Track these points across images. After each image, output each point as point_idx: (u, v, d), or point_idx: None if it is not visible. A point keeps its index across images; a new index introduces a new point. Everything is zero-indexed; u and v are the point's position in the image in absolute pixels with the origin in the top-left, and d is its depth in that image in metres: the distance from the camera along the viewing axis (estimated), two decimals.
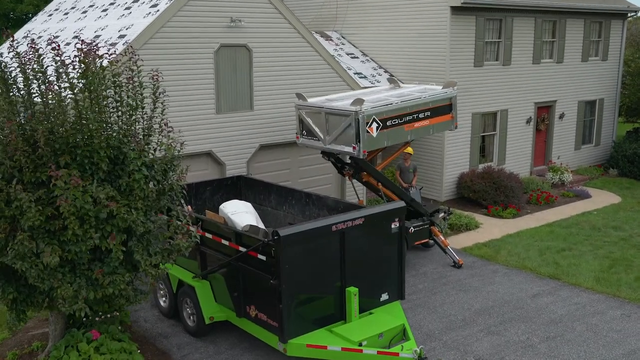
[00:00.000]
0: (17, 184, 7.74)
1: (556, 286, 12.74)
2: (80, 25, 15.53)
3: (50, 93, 8.02)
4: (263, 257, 8.96)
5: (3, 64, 8.20)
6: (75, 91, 8.09)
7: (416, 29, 18.75)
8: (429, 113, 13.34)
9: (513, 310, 11.61)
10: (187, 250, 8.70)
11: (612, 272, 13.39)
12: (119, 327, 9.98)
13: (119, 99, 8.47)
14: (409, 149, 14.90)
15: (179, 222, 8.73)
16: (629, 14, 23.69)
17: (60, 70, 8.21)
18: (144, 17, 13.54)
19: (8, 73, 8.20)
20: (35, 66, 8.17)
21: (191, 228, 8.91)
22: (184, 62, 13.58)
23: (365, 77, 18.82)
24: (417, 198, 14.58)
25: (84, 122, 7.96)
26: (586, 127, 23.70)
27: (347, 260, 9.33)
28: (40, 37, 16.57)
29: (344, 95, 14.22)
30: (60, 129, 7.92)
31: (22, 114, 8.18)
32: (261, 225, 10.91)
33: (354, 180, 15.07)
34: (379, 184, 13.41)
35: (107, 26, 14.40)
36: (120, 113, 8.50)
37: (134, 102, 8.52)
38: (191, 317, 10.59)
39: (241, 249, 9.43)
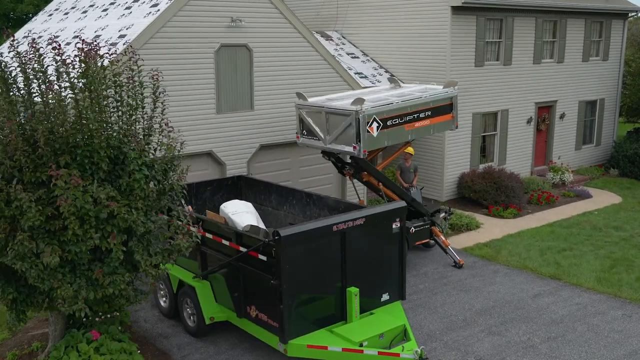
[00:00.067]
0: (17, 183, 7.73)
1: (557, 286, 12.72)
2: (81, 25, 15.51)
3: (50, 93, 8.00)
4: (264, 258, 8.94)
5: (3, 63, 8.18)
6: (75, 91, 8.07)
7: (417, 28, 18.73)
8: (429, 113, 13.31)
9: (514, 310, 11.59)
10: (188, 250, 8.68)
11: (613, 273, 13.36)
12: (119, 328, 9.96)
13: (119, 98, 8.45)
14: (410, 149, 14.89)
15: (180, 222, 8.71)
16: (629, 14, 23.67)
17: (61, 69, 8.20)
18: (145, 16, 13.52)
19: (8, 73, 8.18)
20: (35, 66, 8.16)
21: (192, 228, 8.89)
22: (184, 62, 13.56)
23: (365, 77, 18.80)
24: (418, 198, 14.56)
25: (84, 122, 7.95)
26: (587, 127, 23.68)
27: (347, 260, 9.31)
28: (40, 36, 16.56)
29: (344, 94, 14.20)
30: (61, 129, 7.90)
31: (22, 114, 8.16)
32: (262, 226, 10.89)
33: (355, 180, 15.06)
34: (380, 183, 13.39)
35: (107, 26, 14.38)
36: (120, 113, 8.48)
37: (134, 102, 8.50)
38: (191, 318, 10.57)
39: (242, 249, 9.41)
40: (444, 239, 14.09)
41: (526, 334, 10.66)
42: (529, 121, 21.02)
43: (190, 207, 11.31)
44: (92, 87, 8.07)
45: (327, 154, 13.69)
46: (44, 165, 7.87)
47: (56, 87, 8.08)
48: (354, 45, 20.72)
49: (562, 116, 22.25)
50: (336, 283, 9.29)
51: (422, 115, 13.18)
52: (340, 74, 16.26)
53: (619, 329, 10.86)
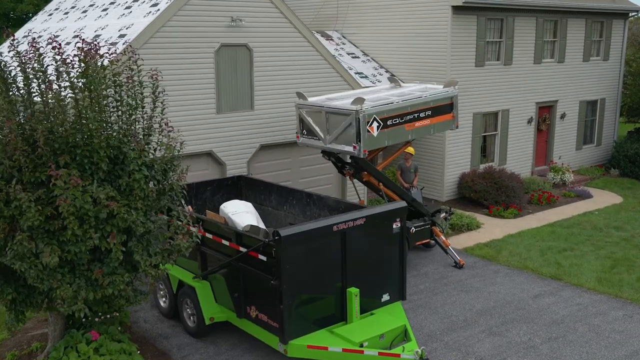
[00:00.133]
0: (16, 183, 7.70)
1: (558, 287, 12.69)
2: (81, 25, 15.49)
3: (49, 92, 7.98)
4: (264, 258, 8.92)
5: (3, 63, 8.16)
6: (75, 90, 8.05)
7: (417, 28, 18.70)
8: (429, 112, 13.29)
9: (515, 310, 11.57)
10: (188, 250, 8.66)
11: (614, 273, 13.34)
12: (119, 328, 9.94)
13: (119, 98, 8.43)
14: (411, 149, 14.86)
15: (180, 223, 8.69)
16: (630, 14, 23.65)
17: (61, 69, 8.18)
18: (145, 16, 13.50)
19: (8, 72, 8.16)
20: (35, 65, 8.14)
21: (192, 228, 8.87)
22: (184, 61, 13.53)
23: (366, 76, 18.78)
24: (419, 198, 14.54)
25: (84, 121, 7.93)
26: (587, 127, 23.66)
27: (348, 260, 9.29)
28: (40, 36, 16.54)
29: (344, 94, 14.17)
30: (60, 129, 7.88)
31: (21, 114, 8.14)
32: (262, 226, 10.86)
33: (355, 180, 15.03)
34: (380, 183, 13.36)
35: (107, 25, 14.36)
36: (120, 113, 8.45)
37: (134, 102, 8.48)
38: (191, 318, 10.54)
39: (242, 249, 9.38)
40: (444, 239, 14.07)
41: (527, 335, 10.64)
42: (529, 121, 20.99)
43: (190, 207, 11.28)
44: (92, 87, 8.04)
45: (327, 154, 13.67)
46: (43, 165, 7.85)
47: (55, 86, 8.05)
48: (355, 45, 20.69)
49: (562, 116, 22.22)
50: (336, 283, 9.27)
51: (422, 114, 13.16)
52: (340, 73, 16.24)
53: (620, 329, 10.84)
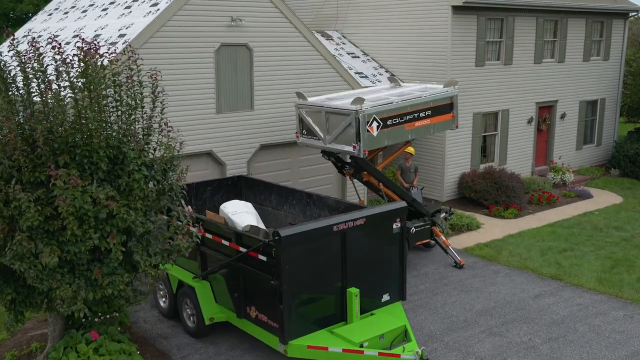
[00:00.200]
0: (15, 183, 7.69)
1: (558, 287, 12.68)
2: (80, 25, 15.48)
3: (49, 92, 7.97)
4: (264, 258, 8.90)
5: (2, 62, 8.14)
6: (74, 90, 8.04)
7: (417, 28, 18.69)
8: (429, 112, 13.27)
9: (515, 311, 11.55)
10: (187, 250, 8.65)
11: (614, 273, 13.32)
12: (119, 328, 9.93)
13: (118, 98, 8.41)
14: (411, 149, 14.84)
15: (180, 223, 8.67)
16: (630, 14, 23.63)
17: (61, 69, 8.16)
18: (144, 16, 13.48)
19: (7, 72, 8.14)
20: (35, 65, 8.12)
21: (192, 228, 8.85)
22: (184, 61, 13.52)
23: (366, 76, 18.76)
24: (419, 198, 14.52)
25: (84, 121, 7.91)
26: (587, 127, 23.64)
27: (348, 260, 9.27)
28: (40, 36, 16.53)
29: (344, 94, 14.16)
30: (60, 129, 7.87)
31: (21, 113, 8.12)
32: (262, 226, 10.85)
33: (355, 181, 15.01)
34: (380, 183, 13.35)
35: (107, 25, 14.35)
36: (119, 112, 8.44)
37: (134, 102, 8.46)
38: (191, 318, 10.53)
39: (241, 249, 9.37)
40: (444, 239, 14.05)
41: (527, 335, 10.62)
42: (529, 121, 20.97)
43: (190, 207, 11.27)
44: (92, 87, 8.03)
45: (327, 154, 13.65)
46: (42, 165, 7.84)
47: (55, 86, 8.03)
48: (355, 45, 20.68)
49: (562, 116, 22.21)
50: (336, 283, 9.26)
51: (422, 114, 13.14)
52: (340, 73, 16.22)
53: (621, 329, 10.82)
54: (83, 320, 9.69)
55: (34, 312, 9.37)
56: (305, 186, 15.88)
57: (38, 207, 7.58)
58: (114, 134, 8.21)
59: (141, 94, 8.57)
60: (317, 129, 13.01)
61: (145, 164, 8.28)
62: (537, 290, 12.48)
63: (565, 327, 10.89)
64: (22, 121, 7.99)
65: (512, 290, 12.50)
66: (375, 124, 12.28)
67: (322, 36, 20.22)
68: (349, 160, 13.64)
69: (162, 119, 8.81)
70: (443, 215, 14.32)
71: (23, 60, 8.10)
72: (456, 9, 17.73)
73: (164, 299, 11.35)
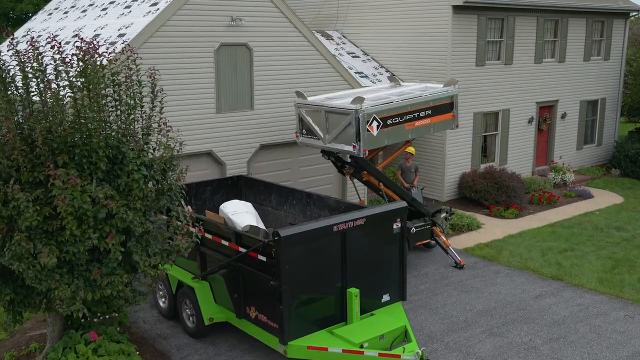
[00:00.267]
0: (14, 183, 7.66)
1: (559, 287, 12.65)
2: (80, 24, 15.45)
3: (48, 92, 7.94)
4: (263, 258, 8.88)
5: (1, 62, 8.12)
6: (74, 90, 8.01)
7: (418, 28, 18.66)
8: (429, 112, 13.24)
9: (515, 311, 11.52)
10: (187, 251, 8.62)
11: (615, 273, 13.29)
12: (118, 329, 9.90)
13: (117, 97, 8.39)
14: (411, 149, 14.82)
15: (179, 223, 8.64)
16: (630, 14, 23.60)
17: (60, 68, 8.14)
18: (144, 15, 13.46)
19: (6, 71, 8.11)
20: (34, 64, 8.09)
21: (191, 229, 8.83)
22: (184, 61, 13.49)
23: (366, 76, 18.74)
24: (419, 198, 14.49)
25: (83, 121, 7.89)
26: (588, 127, 23.61)
27: (348, 261, 9.25)
28: (40, 35, 16.50)
29: (344, 93, 14.13)
30: (59, 128, 7.84)
31: (20, 113, 8.10)
32: (261, 226, 10.82)
33: (355, 180, 14.98)
34: (380, 183, 13.32)
35: (106, 25, 14.32)
36: (119, 112, 8.41)
37: (133, 101, 8.44)
38: (191, 318, 10.50)
39: (241, 249, 9.34)
40: (444, 239, 14.02)
41: (528, 335, 10.59)
42: (530, 121, 20.95)
43: (189, 207, 11.24)
44: (91, 86, 8.00)
45: (327, 153, 13.62)
46: (41, 165, 7.81)
47: (54, 86, 8.01)
48: (355, 45, 20.65)
49: (563, 116, 22.18)
50: (336, 284, 9.23)
51: (422, 114, 13.11)
52: (340, 73, 16.19)
53: (622, 330, 10.79)
54: (82, 320, 9.67)
55: (33, 313, 9.34)
56: (305, 186, 15.85)
57: (37, 207, 7.55)
58: (113, 133, 8.18)
59: (140, 93, 8.54)
60: (317, 128, 12.98)
61: (144, 163, 8.25)
62: (537, 291, 12.45)
63: (566, 328, 10.86)
64: (21, 121, 7.97)
65: (513, 290, 12.47)
66: (375, 124, 12.25)
67: (323, 36, 20.19)
68: (348, 160, 13.61)
69: (161, 119, 8.79)
70: (443, 215, 14.29)
71: (22, 60, 8.08)
72: (456, 8, 17.70)
73: (163, 299, 11.32)
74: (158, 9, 13.25)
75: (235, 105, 14.54)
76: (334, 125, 12.58)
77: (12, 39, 8.39)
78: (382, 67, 19.77)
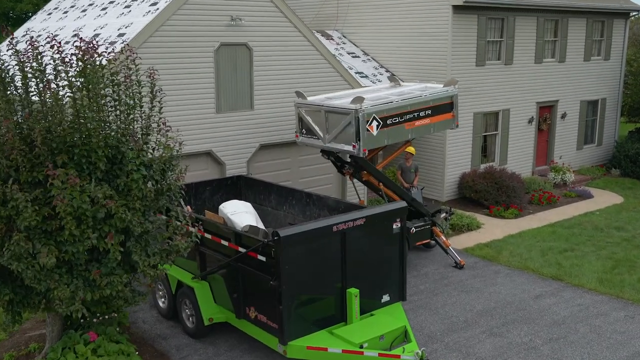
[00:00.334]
0: (13, 183, 7.64)
1: (559, 287, 12.63)
2: (80, 24, 15.44)
3: (48, 92, 7.93)
4: (263, 258, 8.86)
5: (0, 61, 8.10)
6: (73, 90, 8.00)
7: (418, 28, 18.64)
8: (429, 111, 13.23)
9: (515, 311, 11.51)
10: (186, 251, 8.61)
11: (615, 273, 13.27)
12: (117, 329, 9.88)
13: (117, 97, 8.37)
14: (411, 149, 14.80)
15: (179, 223, 8.63)
16: (631, 13, 23.58)
17: (59, 67, 8.12)
18: (144, 15, 13.44)
19: (6, 71, 8.10)
20: (34, 64, 8.08)
21: (191, 229, 8.81)
22: (183, 61, 13.47)
23: (366, 76, 18.72)
24: (419, 198, 14.48)
25: (82, 121, 7.87)
26: (588, 127, 23.59)
27: (348, 261, 9.23)
28: (39, 35, 16.49)
29: (343, 93, 14.11)
30: (58, 128, 7.83)
31: (19, 113, 8.08)
32: (261, 226, 10.81)
33: (355, 180, 14.97)
34: (380, 183, 13.30)
35: (106, 25, 14.30)
36: (118, 112, 8.40)
37: (132, 101, 8.42)
38: (190, 319, 10.49)
39: (241, 249, 9.32)
40: (444, 239, 14.01)
41: (528, 335, 10.58)
42: (530, 121, 20.93)
43: (189, 207, 11.22)
44: (90, 86, 7.99)
45: (327, 153, 13.61)
46: (40, 165, 7.80)
47: (54, 86, 7.99)
48: (355, 45, 20.64)
49: (563, 116, 22.16)
50: (336, 284, 9.21)
51: (422, 114, 13.10)
52: (340, 73, 16.18)
53: (622, 330, 10.78)
54: (81, 320, 9.66)
55: (32, 313, 9.33)
56: (305, 186, 15.83)
57: (35, 207, 7.54)
58: (113, 133, 8.17)
59: (140, 93, 8.53)
60: (316, 128, 12.97)
61: (143, 163, 8.24)
62: (537, 291, 12.43)
63: (566, 328, 10.85)
64: (20, 120, 7.96)
65: (513, 290, 12.46)
66: (375, 123, 12.24)
67: (322, 36, 20.18)
68: (348, 160, 13.59)
69: (160, 119, 8.77)
70: (443, 215, 14.28)
71: (22, 60, 8.06)
72: (457, 8, 17.69)
73: (163, 300, 11.31)
74: (158, 9, 13.23)
75: (235, 105, 14.53)
76: (334, 125, 12.56)
77: (12, 38, 8.37)
78: (382, 67, 19.75)
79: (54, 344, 9.35)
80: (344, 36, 20.99)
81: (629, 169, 22.55)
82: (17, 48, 8.22)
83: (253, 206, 11.82)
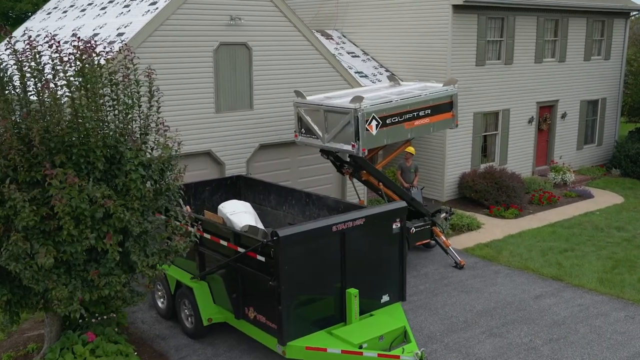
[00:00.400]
0: (11, 183, 7.62)
1: (559, 287, 12.60)
2: (79, 24, 15.41)
3: (46, 91, 7.90)
4: (262, 258, 8.83)
5: None
6: (71, 89, 7.97)
7: (418, 27, 18.62)
8: (429, 111, 13.20)
9: (515, 311, 11.48)
10: (185, 251, 8.58)
11: (615, 273, 13.25)
12: (116, 329, 9.86)
13: (115, 97, 8.34)
14: (411, 149, 14.77)
15: (177, 223, 8.60)
16: (631, 13, 23.56)
17: (58, 67, 8.10)
18: (143, 15, 13.42)
19: (4, 71, 8.07)
20: (32, 64, 8.05)
21: (190, 228, 8.78)
22: (183, 60, 13.45)
23: (366, 76, 18.69)
24: (419, 198, 14.45)
25: (80, 120, 7.84)
26: (588, 126, 23.57)
27: (347, 261, 9.20)
28: (38, 35, 16.46)
29: (343, 92, 14.09)
30: (56, 128, 7.80)
31: (17, 112, 8.06)
32: (260, 226, 10.78)
33: (355, 180, 14.94)
34: (380, 183, 13.28)
35: (105, 24, 14.28)
36: (116, 112, 8.37)
37: (130, 101, 8.39)
38: (189, 319, 10.46)
39: (240, 249, 9.30)
40: (444, 239, 13.98)
41: (528, 336, 10.55)
42: (530, 121, 20.90)
43: (188, 207, 11.19)
44: (88, 86, 7.96)
45: (326, 153, 13.58)
46: (39, 165, 7.77)
47: (52, 85, 7.97)
48: (355, 44, 20.61)
49: (563, 116, 22.13)
50: (335, 284, 9.18)
51: (421, 113, 13.07)
52: (340, 72, 16.15)
53: (622, 330, 10.75)
54: (80, 321, 9.63)
55: (31, 313, 9.31)
56: (305, 186, 15.80)
57: (33, 207, 7.51)
58: (111, 133, 8.14)
59: (138, 92, 8.50)
60: (315, 127, 12.94)
61: (142, 163, 8.21)
62: (537, 291, 12.40)
63: (566, 328, 10.82)
64: (18, 120, 7.93)
65: (513, 290, 12.43)
66: (374, 123, 12.21)
67: (322, 35, 20.15)
68: (348, 159, 13.57)
69: (158, 118, 8.74)
70: (443, 215, 14.25)
71: (20, 59, 8.04)
72: (456, 8, 17.66)
73: (162, 300, 11.28)
74: (157, 8, 13.20)
75: (234, 105, 14.50)
76: (333, 124, 12.53)
77: (10, 37, 8.35)
78: (381, 66, 19.72)
79: (52, 345, 9.32)
80: (343, 36, 20.96)
81: (629, 168, 22.53)
82: (16, 47, 8.20)
83: (252, 206, 11.80)
